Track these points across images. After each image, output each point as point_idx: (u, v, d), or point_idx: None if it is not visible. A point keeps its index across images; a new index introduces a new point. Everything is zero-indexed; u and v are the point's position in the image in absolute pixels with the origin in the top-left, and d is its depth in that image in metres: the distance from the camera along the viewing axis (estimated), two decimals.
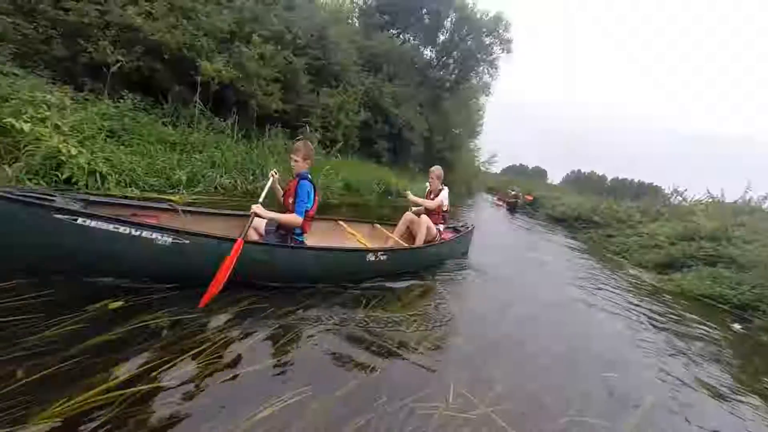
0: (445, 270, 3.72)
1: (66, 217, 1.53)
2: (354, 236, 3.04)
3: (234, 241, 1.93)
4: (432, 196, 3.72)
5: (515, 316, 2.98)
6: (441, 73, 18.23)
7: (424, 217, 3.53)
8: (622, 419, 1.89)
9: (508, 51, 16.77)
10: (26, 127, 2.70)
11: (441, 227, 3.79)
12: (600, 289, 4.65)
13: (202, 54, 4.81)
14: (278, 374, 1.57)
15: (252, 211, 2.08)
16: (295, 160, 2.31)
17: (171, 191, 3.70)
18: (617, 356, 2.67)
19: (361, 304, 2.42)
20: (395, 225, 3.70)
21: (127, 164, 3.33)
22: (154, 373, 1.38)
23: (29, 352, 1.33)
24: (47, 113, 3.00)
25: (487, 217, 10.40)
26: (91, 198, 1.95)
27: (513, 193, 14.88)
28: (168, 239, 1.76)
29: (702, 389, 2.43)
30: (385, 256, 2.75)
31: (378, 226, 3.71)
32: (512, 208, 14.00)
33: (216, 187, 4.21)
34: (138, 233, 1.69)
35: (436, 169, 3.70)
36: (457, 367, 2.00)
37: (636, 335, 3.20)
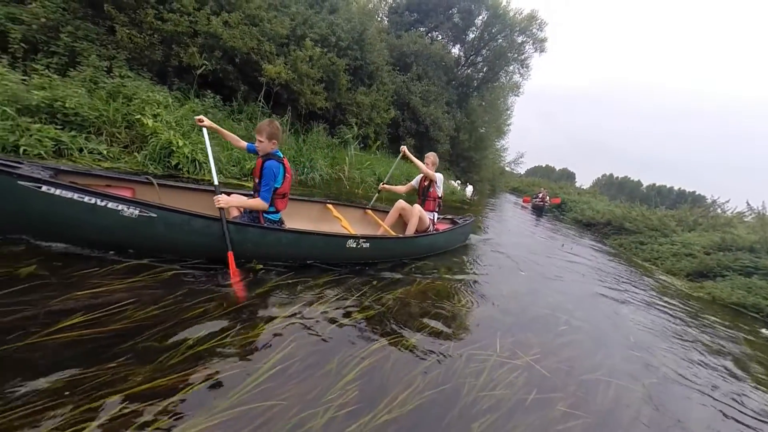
0: (478, 259, 4.21)
1: (30, 184, 1.57)
2: (339, 221, 3.05)
3: (203, 216, 1.98)
4: (425, 182, 3.68)
5: (547, 303, 3.43)
6: (469, 71, 18.42)
7: (416, 206, 3.49)
8: (639, 381, 2.35)
9: (542, 50, 16.73)
10: (150, 122, 3.44)
11: (435, 216, 3.73)
12: (628, 288, 4.99)
13: (264, 57, 5.51)
14: (370, 326, 2.12)
15: (217, 206, 2.04)
16: (260, 141, 2.21)
17: (245, 179, 4.41)
18: (641, 340, 3.09)
19: (413, 283, 2.96)
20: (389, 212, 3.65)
21: (215, 155, 4.04)
22: (297, 315, 2.00)
23: (214, 294, 1.98)
24: (158, 110, 3.76)
25: (512, 218, 10.69)
26: (62, 167, 1.97)
27: (540, 195, 14.95)
28: (134, 211, 1.78)
29: (713, 371, 2.84)
30: (367, 244, 2.74)
31: (370, 212, 3.66)
32: (539, 211, 14.12)
33: None
34: (103, 204, 1.71)
35: (432, 155, 3.68)
36: (501, 332, 2.51)
37: (660, 327, 3.59)
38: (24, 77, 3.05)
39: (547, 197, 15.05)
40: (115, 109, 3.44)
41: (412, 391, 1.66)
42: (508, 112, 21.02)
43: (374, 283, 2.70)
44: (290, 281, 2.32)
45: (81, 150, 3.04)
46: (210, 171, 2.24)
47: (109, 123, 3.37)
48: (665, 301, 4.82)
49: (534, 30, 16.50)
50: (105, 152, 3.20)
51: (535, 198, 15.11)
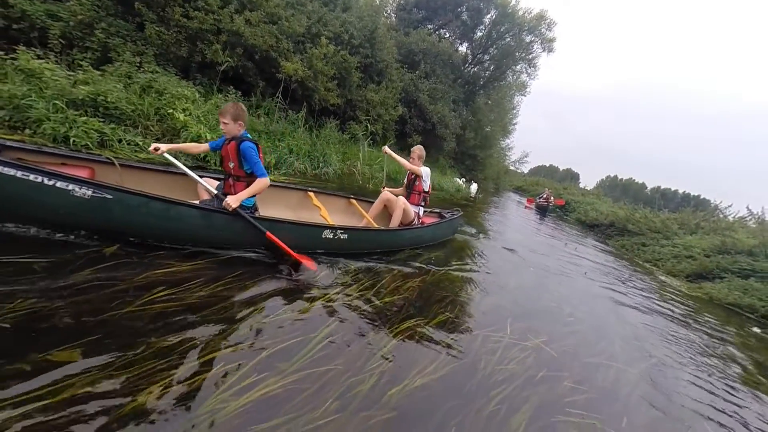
0: (485, 255, 4.46)
1: None
2: (319, 209, 3.01)
3: (162, 199, 1.91)
4: (412, 176, 3.73)
5: (552, 296, 3.70)
6: (475, 69, 18.56)
7: (401, 198, 3.51)
8: (637, 366, 2.62)
9: (550, 50, 16.86)
10: (181, 116, 3.68)
11: (421, 210, 3.76)
12: (630, 287, 5.25)
13: (282, 54, 5.73)
14: (396, 308, 2.38)
15: (231, 210, 2.09)
16: (225, 123, 2.18)
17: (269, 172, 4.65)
18: (640, 333, 3.36)
19: (428, 274, 3.20)
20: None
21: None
22: (334, 297, 2.26)
23: (265, 275, 2.23)
24: (186, 105, 3.98)
25: (516, 217, 10.93)
26: (7, 143, 1.89)
27: (544, 195, 15.17)
28: (87, 192, 1.71)
29: (704, 361, 3.12)
30: (345, 235, 2.70)
31: (354, 202, 3.63)
32: (542, 211, 14.35)
33: (294, 171, 5.14)
34: (51, 183, 1.63)
35: (418, 149, 3.67)
36: (511, 318, 2.76)
37: (658, 322, 3.86)
38: (70, 73, 3.27)
39: (551, 198, 15.26)
40: (149, 103, 3.67)
41: (438, 364, 1.92)
42: (514, 111, 21.19)
43: (395, 272, 2.96)
44: (325, 269, 2.58)
45: (120, 141, 3.28)
46: (196, 178, 2.20)
47: (143, 116, 3.60)
48: (664, 300, 5.09)
49: (543, 29, 16.62)
50: (141, 143, 3.44)
51: (539, 198, 15.34)
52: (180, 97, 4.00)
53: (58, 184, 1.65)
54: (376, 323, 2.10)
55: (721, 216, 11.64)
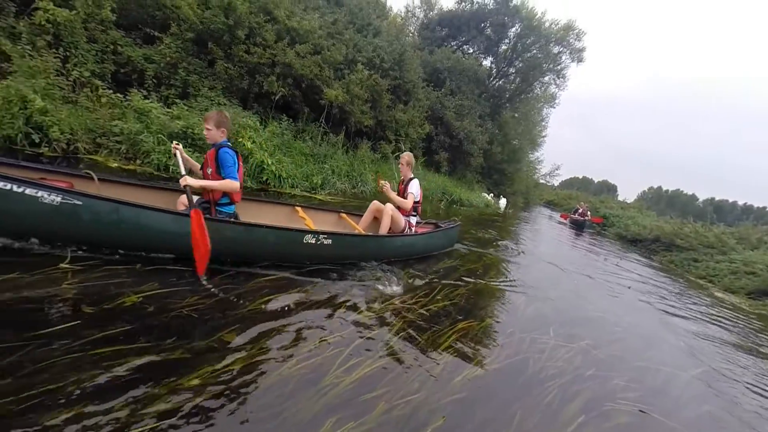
0: (523, 268, 4.68)
1: None
2: (304, 220, 3.02)
3: (133, 205, 1.93)
4: (402, 186, 3.74)
5: (595, 306, 3.87)
6: (500, 82, 18.98)
7: (389, 205, 3.51)
8: (688, 372, 2.75)
9: (580, 60, 17.01)
10: (248, 144, 4.37)
11: (412, 219, 3.79)
12: (680, 301, 5.21)
13: (325, 82, 6.49)
14: (447, 313, 2.72)
15: (182, 185, 2.08)
16: (207, 129, 2.23)
17: (314, 192, 5.25)
18: (692, 345, 3.44)
19: (471, 284, 3.50)
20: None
21: (292, 171, 4.93)
22: (395, 303, 2.67)
23: (334, 288, 2.68)
24: (251, 133, 4.71)
25: (549, 232, 10.87)
26: None
27: (579, 210, 14.86)
28: (56, 198, 1.74)
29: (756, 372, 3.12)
30: (329, 240, 2.64)
31: (344, 216, 3.66)
32: (579, 226, 14.05)
33: (336, 191, 5.71)
34: (20, 189, 1.67)
35: (407, 155, 3.70)
36: (555, 325, 2.99)
37: (713, 336, 3.88)
38: (168, 110, 4.08)
39: (588, 212, 14.90)
40: None
41: (493, 358, 2.24)
42: (543, 123, 21.21)
43: (442, 283, 3.30)
44: (380, 277, 3.00)
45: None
46: (179, 167, 2.29)
47: None
48: (721, 316, 4.98)
49: (571, 40, 16.85)
50: None
51: (574, 213, 15.04)
52: (245, 126, 4.73)
53: (27, 191, 1.70)
54: (435, 324, 2.46)
55: None
